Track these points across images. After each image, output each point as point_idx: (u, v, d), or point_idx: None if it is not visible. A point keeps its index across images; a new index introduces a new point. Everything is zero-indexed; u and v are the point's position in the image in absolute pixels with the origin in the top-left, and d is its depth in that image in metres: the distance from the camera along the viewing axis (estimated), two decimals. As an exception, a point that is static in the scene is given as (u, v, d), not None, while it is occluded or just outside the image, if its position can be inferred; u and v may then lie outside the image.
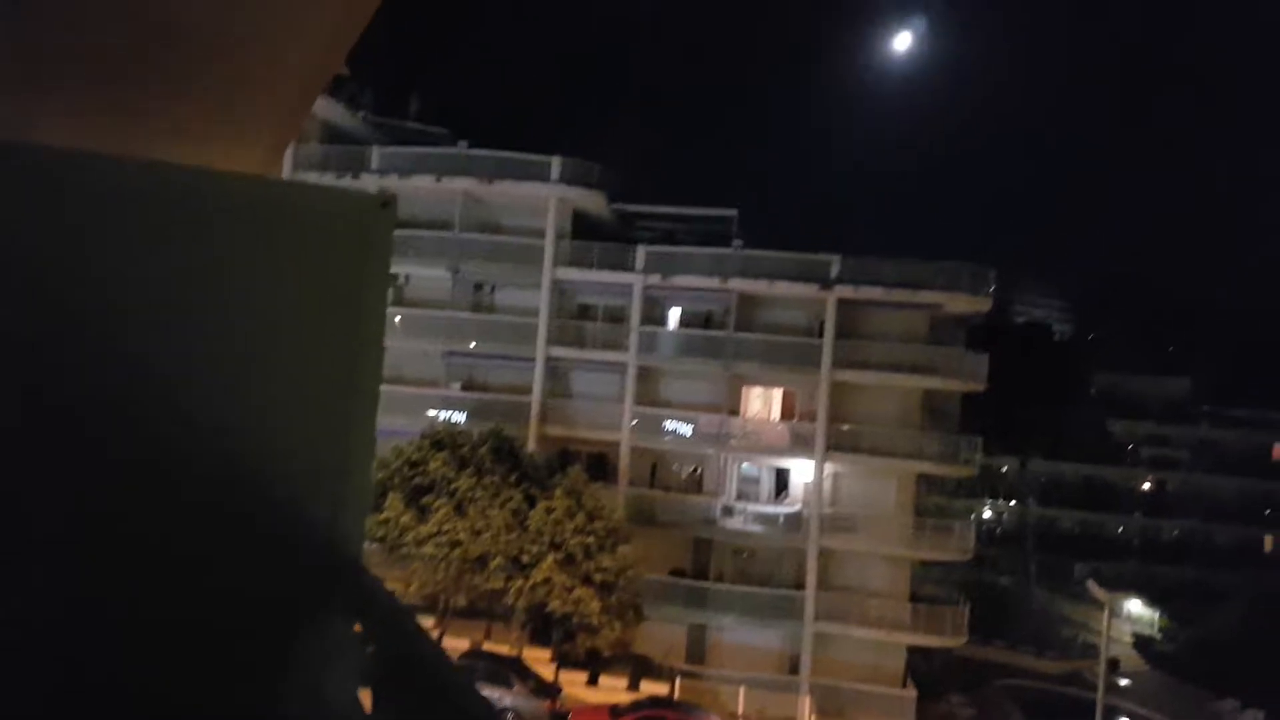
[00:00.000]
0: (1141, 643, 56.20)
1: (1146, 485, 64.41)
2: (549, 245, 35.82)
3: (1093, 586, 57.68)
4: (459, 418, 34.53)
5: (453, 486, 29.16)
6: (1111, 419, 64.37)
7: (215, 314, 1.87)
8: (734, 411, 35.70)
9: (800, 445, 34.67)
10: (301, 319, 1.92)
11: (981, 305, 35.93)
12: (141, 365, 1.82)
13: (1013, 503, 62.85)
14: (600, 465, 34.84)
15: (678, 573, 34.57)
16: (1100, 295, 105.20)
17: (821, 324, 34.56)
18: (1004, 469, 62.16)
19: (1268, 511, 62.31)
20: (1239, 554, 60.76)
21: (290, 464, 1.91)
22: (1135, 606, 58.56)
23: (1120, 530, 62.92)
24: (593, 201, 36.66)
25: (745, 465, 36.15)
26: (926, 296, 34.57)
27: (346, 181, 35.78)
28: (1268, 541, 62.20)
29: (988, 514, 63.63)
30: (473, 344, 36.25)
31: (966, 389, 35.70)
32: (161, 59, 2.35)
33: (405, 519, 28.61)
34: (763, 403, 36.42)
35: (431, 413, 34.49)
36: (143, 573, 1.84)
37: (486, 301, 37.52)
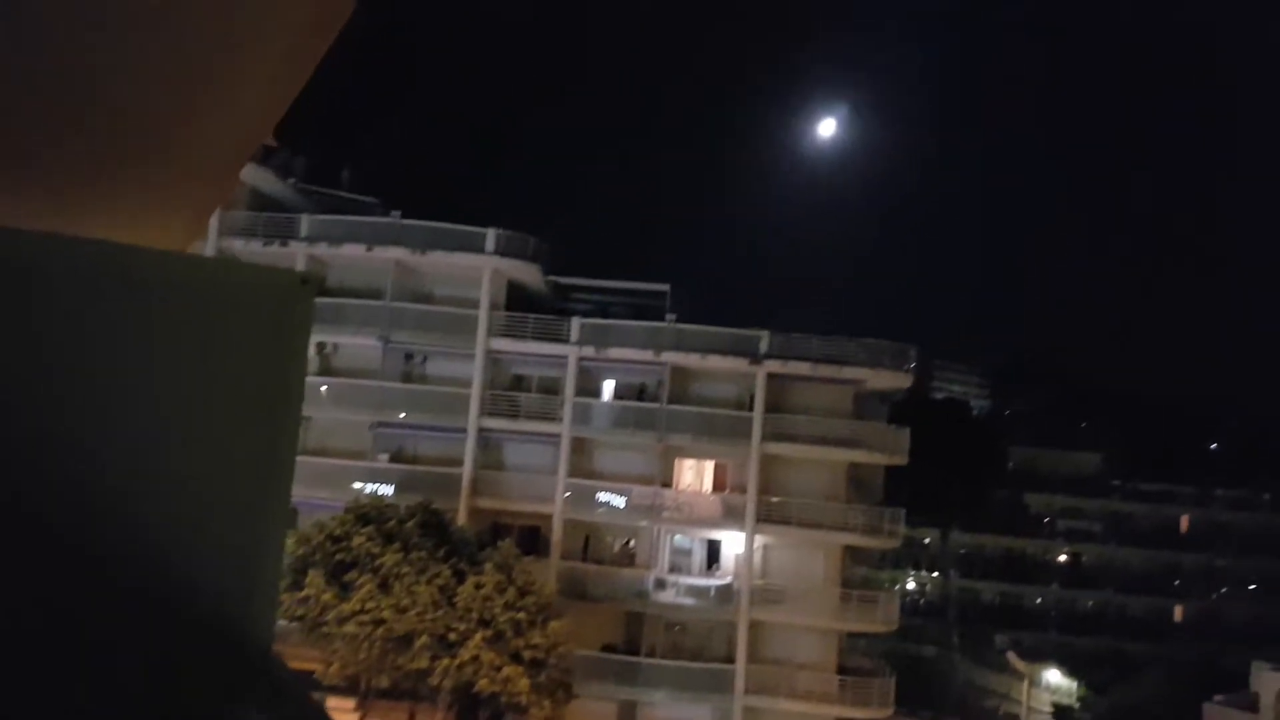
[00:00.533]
0: (1061, 712, 57.02)
1: (1063, 557, 65.99)
2: (483, 316, 35.77)
3: (1013, 658, 58.77)
4: (386, 490, 33.83)
5: (377, 562, 28.37)
6: (1028, 492, 66.14)
7: (122, 390, 1.80)
8: (667, 483, 35.80)
9: (732, 517, 34.85)
10: (214, 396, 1.86)
11: (903, 381, 36.98)
12: (45, 442, 1.75)
13: (935, 574, 63.72)
14: (533, 538, 34.46)
15: (609, 648, 34.15)
16: (1014, 373, 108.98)
17: (752, 397, 35.09)
18: (926, 540, 63.17)
19: (1177, 582, 64.28)
20: (1152, 624, 62.43)
21: (198, 545, 1.83)
22: (1054, 676, 59.48)
23: (1039, 601, 64.17)
24: (528, 273, 36.86)
25: (678, 537, 36.14)
26: (851, 372, 35.47)
27: (274, 249, 35.53)
28: (1178, 611, 64.01)
29: (911, 585, 64.41)
30: (402, 415, 35.79)
31: (890, 462, 36.49)
32: (78, 129, 2.29)
33: (327, 597, 27.71)
34: (695, 475, 36.60)
35: (357, 485, 33.73)
36: (31, 662, 1.72)
37: (417, 372, 37.15)
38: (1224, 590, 64.06)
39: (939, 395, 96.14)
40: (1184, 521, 67.30)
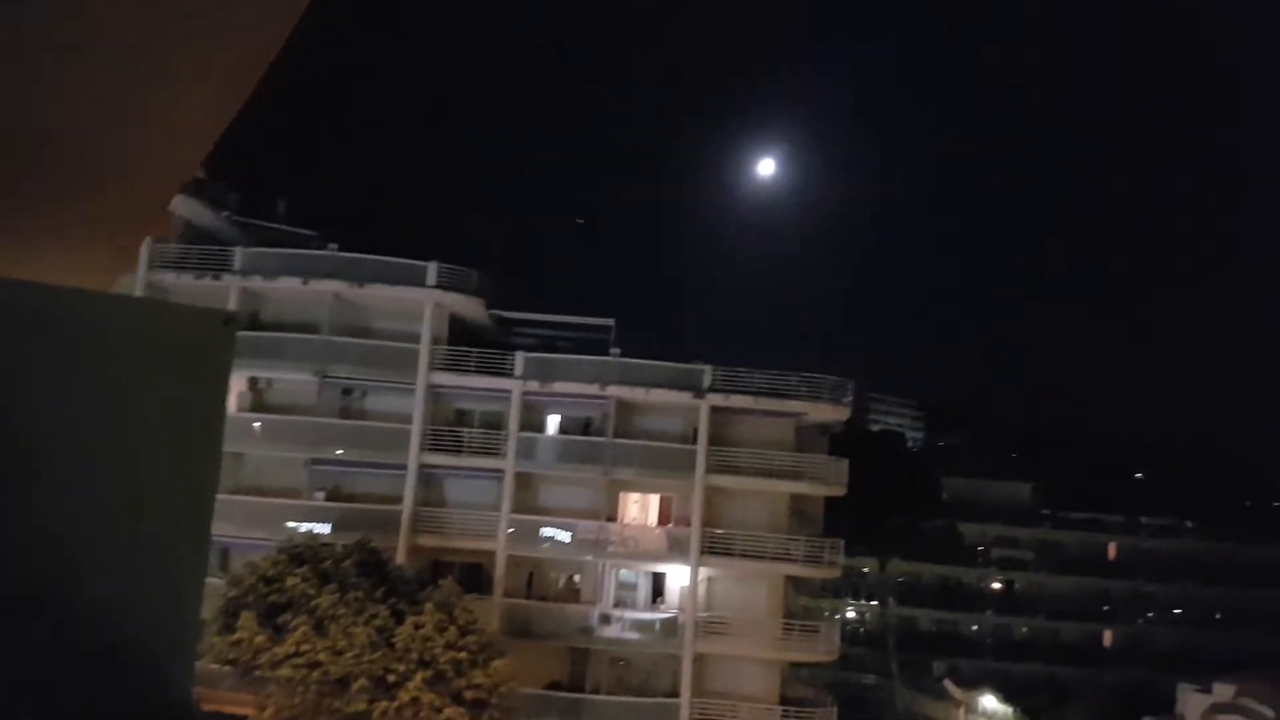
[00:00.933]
0: (997, 739, 57.71)
1: (996, 584, 67.16)
2: (424, 350, 35.31)
3: (949, 685, 59.42)
4: (323, 529, 33.01)
5: (312, 604, 27.61)
6: (962, 522, 67.31)
7: (36, 432, 1.75)
8: (612, 518, 35.59)
9: (676, 550, 34.78)
10: (131, 438, 1.82)
11: (841, 414, 37.48)
12: None
13: (874, 603, 64.33)
14: (475, 576, 33.88)
15: (554, 685, 33.67)
16: (947, 406, 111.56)
17: (696, 431, 35.18)
18: (865, 570, 63.82)
19: (1106, 608, 65.83)
20: (1083, 649, 63.81)
21: (113, 588, 1.79)
22: (990, 702, 60.24)
23: (974, 628, 65.14)
24: (470, 307, 36.54)
25: (623, 572, 35.93)
26: (792, 405, 35.86)
27: (207, 282, 34.72)
28: (1108, 636, 65.50)
29: (852, 614, 64.94)
30: (339, 451, 35.05)
31: (830, 493, 36.85)
32: None
33: (260, 639, 26.89)
34: (640, 508, 36.48)
35: (292, 524, 32.79)
36: None
37: (356, 407, 36.50)
38: (1150, 615, 65.76)
39: (876, 427, 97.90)
40: (1111, 549, 69.12)
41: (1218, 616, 65.01)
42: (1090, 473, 79.70)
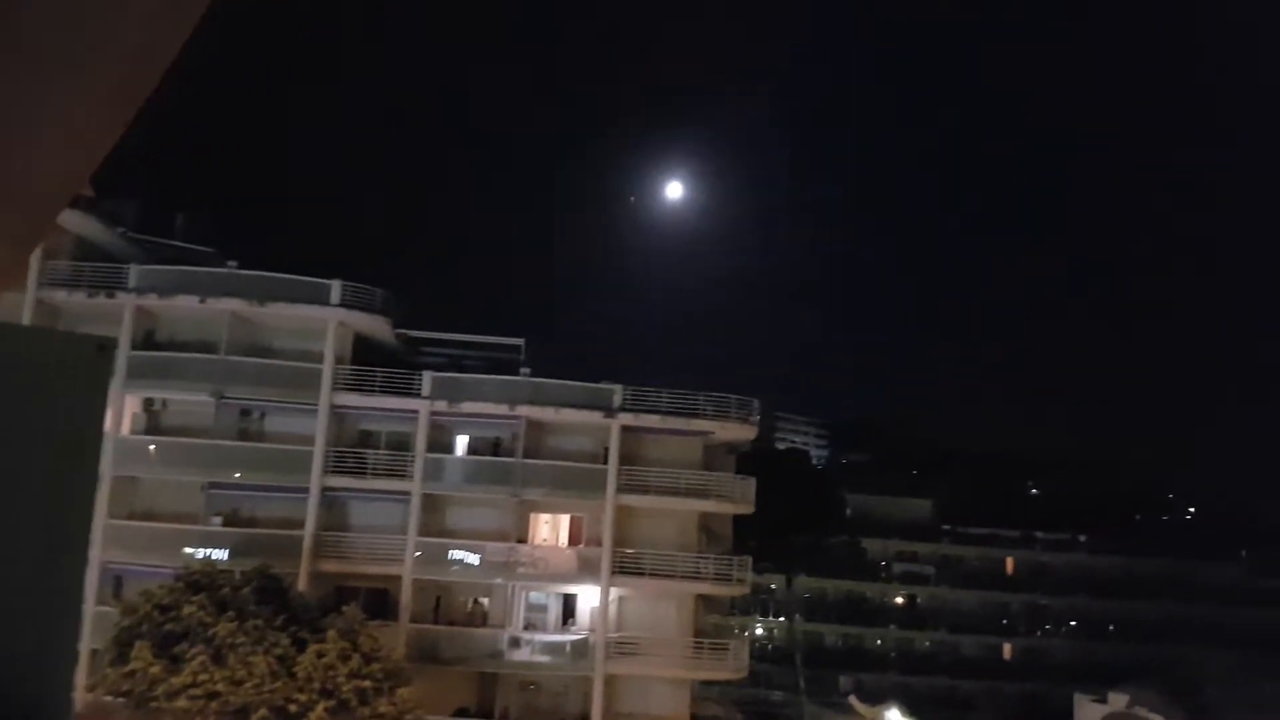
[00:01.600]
0: (902, 753, 58.68)
1: (899, 599, 68.54)
2: (327, 370, 34.51)
3: (854, 701, 60.30)
4: (220, 555, 31.91)
5: (210, 632, 26.78)
6: (865, 538, 68.56)
7: None
8: (522, 539, 35.26)
9: (587, 571, 34.58)
10: (0, 468, 1.75)
11: (748, 433, 37.87)
12: None
13: (781, 619, 64.96)
14: (380, 601, 33.12)
15: (462, 712, 33.11)
16: (849, 424, 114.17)
17: (606, 450, 35.14)
18: (773, 586, 64.45)
19: (1005, 621, 67.76)
20: (983, 662, 65.50)
21: None
22: (895, 716, 61.28)
23: (879, 642, 66.29)
24: (375, 326, 35.87)
25: (533, 594, 35.54)
26: (700, 424, 36.12)
27: (100, 300, 33.46)
28: (1007, 649, 67.40)
29: (760, 631, 65.45)
30: (238, 474, 33.94)
31: (738, 510, 37.15)
32: None
33: (155, 670, 25.98)
34: (551, 529, 36.22)
35: (189, 550, 31.71)
36: None
37: (255, 428, 35.42)
38: (1048, 628, 67.93)
39: (782, 446, 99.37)
40: (1009, 563, 71.27)
41: (1111, 628, 67.50)
42: (987, 488, 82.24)
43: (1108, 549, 71.66)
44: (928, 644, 66.40)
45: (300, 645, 27.37)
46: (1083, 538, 72.85)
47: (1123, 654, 65.64)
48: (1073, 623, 68.37)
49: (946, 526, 72.02)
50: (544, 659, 34.19)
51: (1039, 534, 72.71)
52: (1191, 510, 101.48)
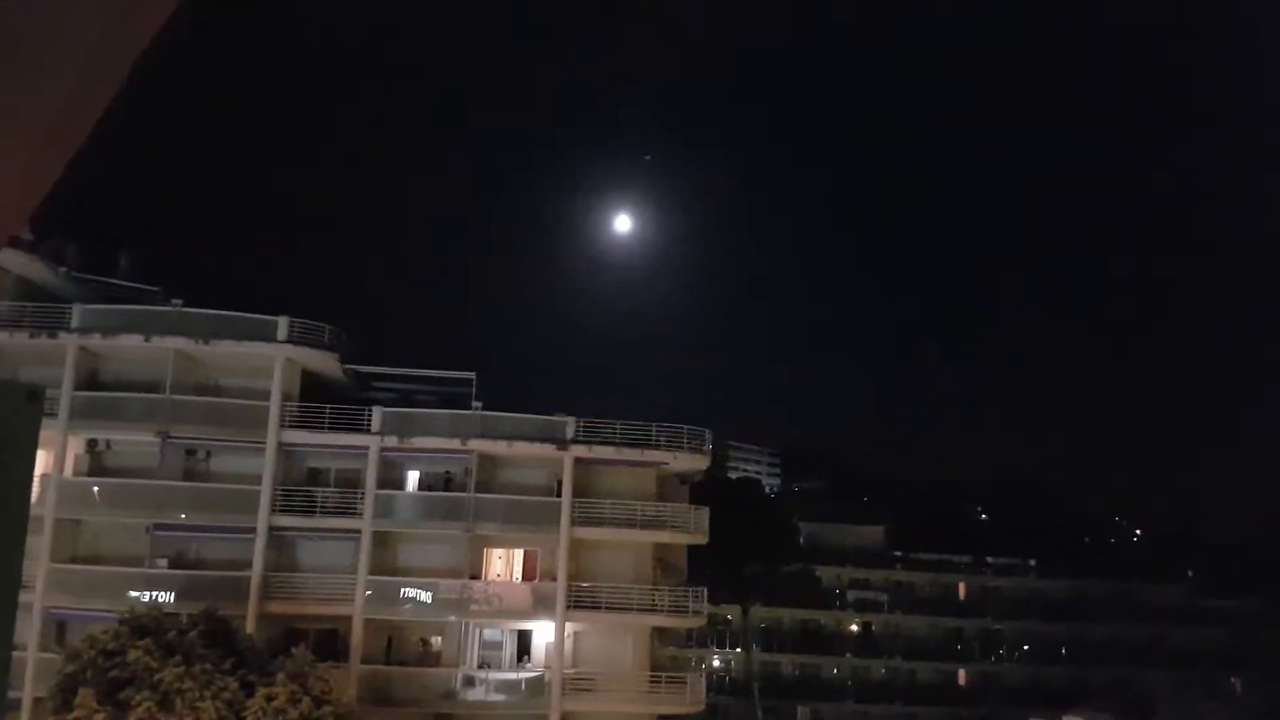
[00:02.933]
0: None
1: (854, 626, 68.75)
2: (274, 407, 34.06)
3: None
4: (166, 598, 31.21)
5: (156, 678, 26.11)
6: (818, 565, 68.80)
7: None
8: (476, 575, 34.90)
9: (542, 606, 34.31)
10: None
11: (701, 462, 37.96)
12: None
13: (738, 650, 64.81)
14: (330, 642, 32.54)
15: (415, 753, 32.46)
16: (802, 452, 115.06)
17: (560, 483, 35.04)
18: (729, 617, 64.33)
19: (958, 647, 68.22)
20: (938, 688, 65.77)
21: None
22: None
23: (835, 671, 66.33)
24: (323, 362, 35.52)
25: (487, 631, 35.13)
26: (654, 455, 36.15)
27: (42, 341, 32.83)
28: (961, 675, 67.78)
29: (717, 662, 65.19)
30: (183, 515, 33.30)
31: (692, 541, 37.15)
32: None
33: (100, 717, 25.26)
34: (504, 564, 35.92)
35: (134, 594, 30.97)
36: None
37: (201, 468, 34.81)
38: (1000, 652, 68.52)
39: (734, 475, 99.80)
40: (961, 588, 71.91)
41: (1063, 651, 68.27)
42: (937, 514, 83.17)
43: (1057, 572, 72.69)
44: (883, 671, 66.56)
45: (249, 689, 26.79)
46: (1032, 562, 73.83)
47: (1075, 676, 66.47)
48: (1025, 647, 69.05)
49: (898, 553, 72.58)
50: (499, 698, 33.76)
51: (989, 559, 73.58)
52: (1138, 533, 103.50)
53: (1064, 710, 61.92)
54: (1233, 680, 66.44)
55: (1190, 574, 76.08)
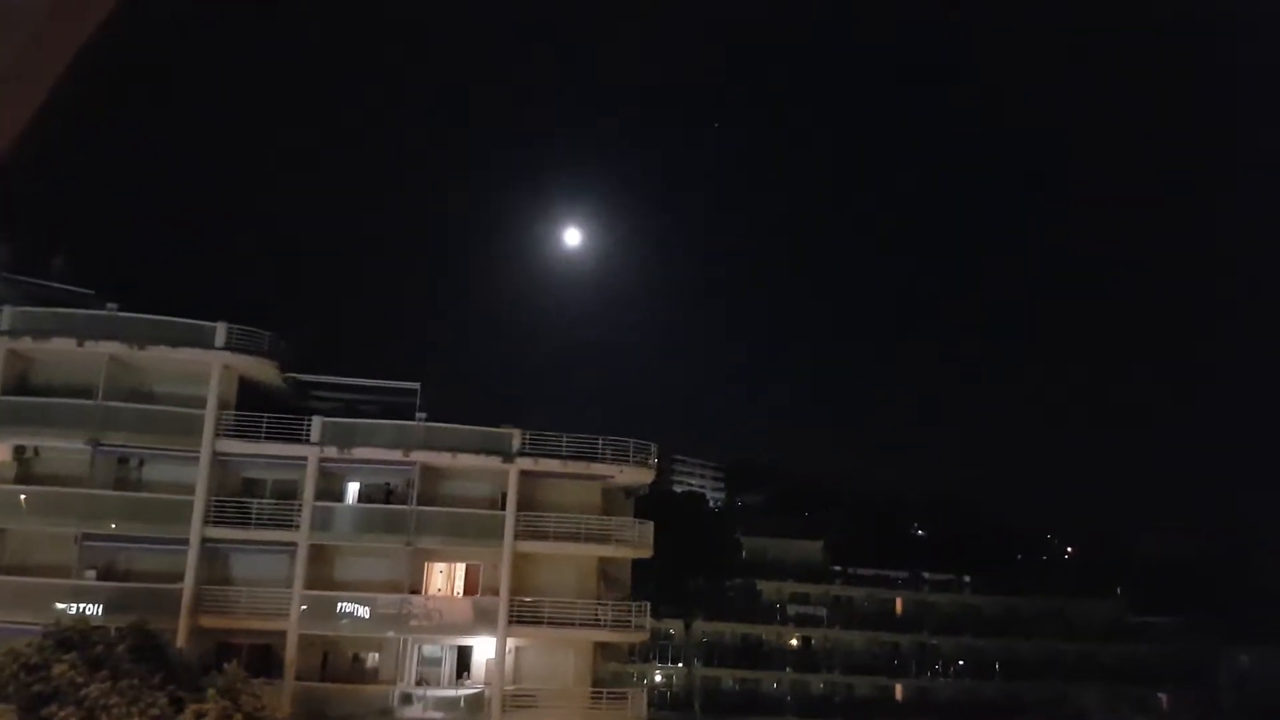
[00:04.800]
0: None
1: (794, 641, 69.13)
2: (210, 415, 33.23)
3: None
4: (94, 611, 30.21)
5: (81, 693, 25.24)
6: (760, 580, 69.16)
7: None
8: (416, 589, 34.33)
9: (484, 621, 33.85)
10: None
11: (647, 476, 37.86)
12: None
13: (680, 665, 64.75)
14: (264, 658, 31.75)
15: (351, 772, 31.77)
16: (746, 466, 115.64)
17: (504, 496, 34.69)
18: (671, 632, 64.29)
19: (895, 662, 68.95)
20: (877, 703, 66.36)
21: None
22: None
23: (775, 685, 66.58)
24: (262, 370, 34.75)
25: (427, 647, 34.53)
26: (600, 468, 35.95)
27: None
28: (898, 690, 68.46)
29: (659, 677, 65.05)
30: (113, 525, 32.28)
31: (636, 555, 37.00)
32: None
33: (21, 734, 24.30)
34: (446, 578, 35.38)
35: (60, 606, 29.88)
36: None
37: (133, 477, 33.81)
38: (936, 667, 69.39)
39: (679, 489, 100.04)
40: (898, 603, 72.76)
41: (996, 667, 69.35)
42: (875, 530, 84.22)
43: (990, 589, 74.01)
44: (822, 686, 67.01)
45: (178, 706, 26.04)
46: (966, 578, 75.05)
47: (1008, 692, 67.59)
48: (960, 662, 70.01)
49: (837, 567, 73.28)
50: (437, 715, 33.16)
51: (925, 575, 74.62)
52: (1070, 551, 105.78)
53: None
54: (1160, 696, 68.13)
55: (1119, 592, 77.92)
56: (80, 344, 32.78)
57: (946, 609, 72.22)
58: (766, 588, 69.51)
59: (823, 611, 69.79)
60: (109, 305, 34.07)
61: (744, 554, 71.62)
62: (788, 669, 66.70)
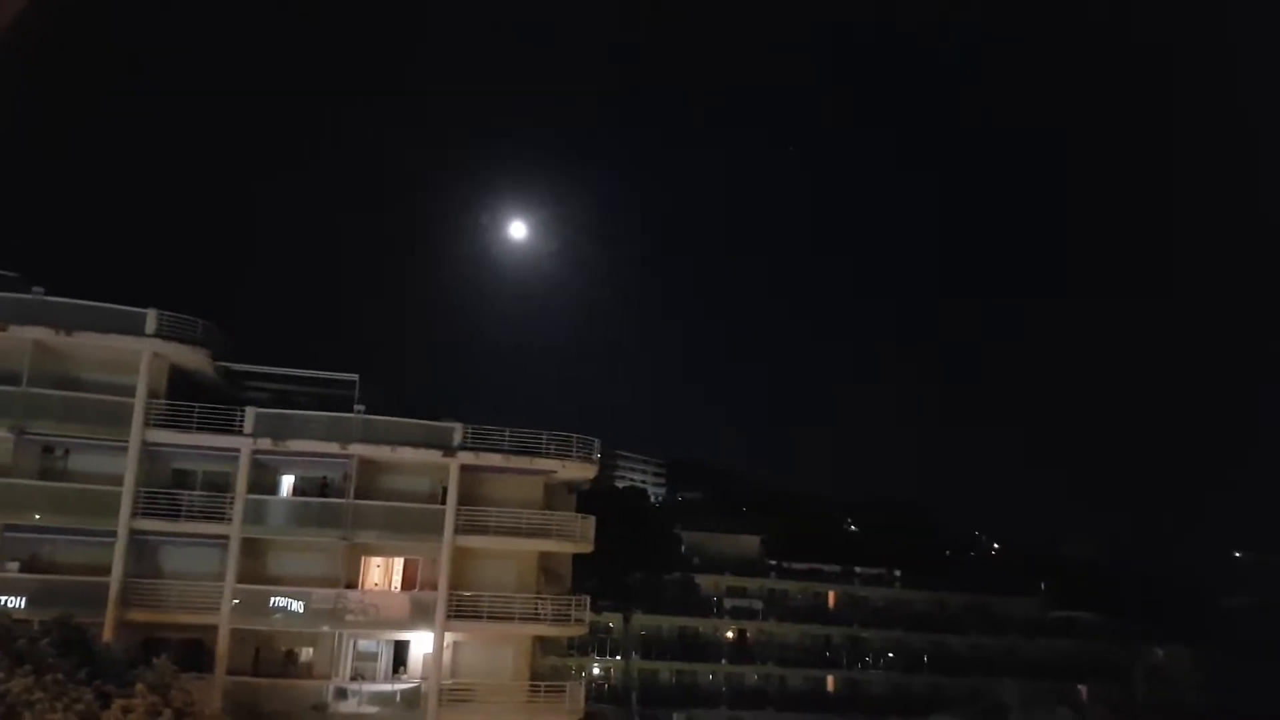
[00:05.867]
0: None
1: (730, 634, 69.82)
2: (139, 404, 32.29)
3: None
4: (17, 603, 29.22)
5: (3, 689, 24.38)
6: (698, 574, 69.78)
7: None
8: (352, 584, 33.83)
9: (421, 616, 33.49)
10: None
11: (589, 471, 37.78)
12: None
13: (618, 658, 64.93)
14: (195, 653, 31.01)
15: (283, 768, 31.21)
16: (687, 462, 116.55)
17: (445, 490, 34.34)
18: (610, 625, 64.46)
19: (828, 654, 70.08)
20: (809, 695, 67.39)
21: None
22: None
23: (710, 678, 67.17)
24: (195, 358, 33.83)
25: (362, 642, 34.06)
26: (542, 463, 35.79)
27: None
28: (830, 681, 69.60)
29: (597, 670, 65.19)
30: (38, 516, 31.24)
31: (577, 550, 36.95)
32: None
33: (-66, 733, 23.41)
34: (383, 573, 34.94)
35: (-20, 599, 28.87)
36: None
37: (58, 467, 32.71)
38: (867, 660, 70.68)
39: (621, 484, 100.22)
40: (831, 597, 73.99)
41: (924, 660, 70.87)
42: (810, 526, 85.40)
43: (920, 584, 75.70)
44: (756, 678, 67.81)
45: (105, 701, 25.27)
46: (897, 573, 76.60)
47: (935, 684, 69.17)
48: (890, 655, 71.36)
49: (773, 562, 74.22)
50: (372, 709, 32.75)
51: (858, 569, 75.98)
52: (996, 547, 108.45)
53: (924, 717, 64.40)
54: (1079, 688, 70.27)
55: (1043, 589, 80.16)
56: (4, 328, 31.62)
57: (877, 603, 73.64)
58: (705, 582, 70.14)
59: (758, 605, 70.66)
60: (35, 289, 32.88)
61: (684, 549, 72.17)
62: (724, 661, 67.35)
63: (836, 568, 75.90)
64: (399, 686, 33.45)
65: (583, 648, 61.55)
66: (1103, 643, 73.69)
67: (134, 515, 31.76)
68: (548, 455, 35.64)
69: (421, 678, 33.65)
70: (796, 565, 74.81)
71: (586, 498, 41.02)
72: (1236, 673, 68.97)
